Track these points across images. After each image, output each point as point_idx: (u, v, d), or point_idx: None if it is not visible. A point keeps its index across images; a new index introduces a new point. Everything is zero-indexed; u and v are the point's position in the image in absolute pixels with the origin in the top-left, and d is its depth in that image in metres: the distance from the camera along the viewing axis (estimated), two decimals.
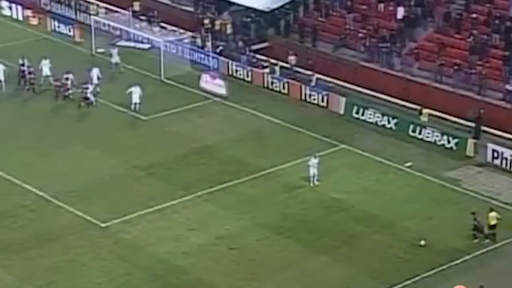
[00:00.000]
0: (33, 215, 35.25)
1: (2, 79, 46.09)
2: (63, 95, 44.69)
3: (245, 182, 37.77)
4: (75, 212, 35.38)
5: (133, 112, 43.51)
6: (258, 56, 49.24)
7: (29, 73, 45.79)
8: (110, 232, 34.27)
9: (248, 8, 50.31)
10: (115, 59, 48.38)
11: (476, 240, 33.52)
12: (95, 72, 45.79)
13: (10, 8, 56.34)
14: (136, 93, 43.63)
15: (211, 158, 39.85)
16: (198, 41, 50.57)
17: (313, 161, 37.36)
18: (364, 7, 49.22)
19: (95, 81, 45.47)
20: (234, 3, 50.98)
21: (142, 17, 52.99)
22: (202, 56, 49.34)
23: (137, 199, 36.33)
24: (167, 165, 39.07)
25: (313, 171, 37.23)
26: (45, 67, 45.96)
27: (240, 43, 49.72)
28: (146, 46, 51.10)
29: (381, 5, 48.95)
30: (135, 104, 43.60)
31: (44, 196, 36.34)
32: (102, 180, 37.74)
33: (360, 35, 47.72)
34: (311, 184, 37.19)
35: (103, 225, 34.70)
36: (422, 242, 33.34)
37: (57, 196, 36.29)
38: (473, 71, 43.82)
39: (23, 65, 46.20)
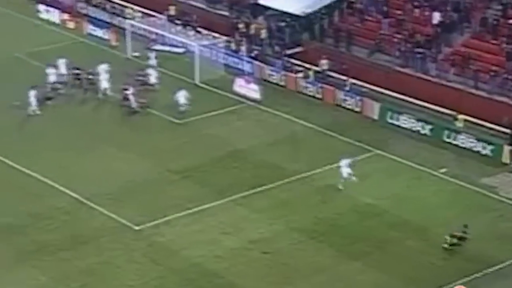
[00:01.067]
0: (68, 217, 35.59)
1: (56, 79, 46.27)
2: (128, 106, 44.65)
3: (278, 186, 37.85)
4: (109, 215, 35.66)
5: (181, 114, 43.69)
6: (292, 60, 49.30)
7: (88, 78, 46.10)
8: (143, 235, 34.49)
9: (283, 12, 50.38)
10: (152, 62, 48.58)
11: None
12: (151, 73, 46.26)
13: (48, 11, 56.99)
14: (182, 96, 43.84)
15: (244, 162, 39.98)
16: (233, 45, 50.78)
17: (344, 163, 37.28)
18: (399, 12, 49.07)
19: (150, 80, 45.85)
20: (269, 8, 51.06)
21: (177, 21, 53.29)
22: (237, 60, 49.54)
23: (171, 202, 36.53)
24: (201, 169, 39.27)
25: (345, 172, 37.05)
26: (103, 74, 45.89)
27: (276, 48, 49.79)
28: (181, 50, 51.40)
29: (417, 10, 48.76)
30: (183, 105, 43.76)
31: (79, 198, 36.68)
32: (137, 183, 37.99)
33: (395, 40, 47.59)
34: (340, 187, 37.04)
35: (136, 228, 34.92)
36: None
37: (91, 198, 36.61)
38: (509, 77, 43.45)
39: (77, 68, 46.50)
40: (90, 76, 46.42)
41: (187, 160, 39.99)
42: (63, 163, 39.47)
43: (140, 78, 46.79)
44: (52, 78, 46.36)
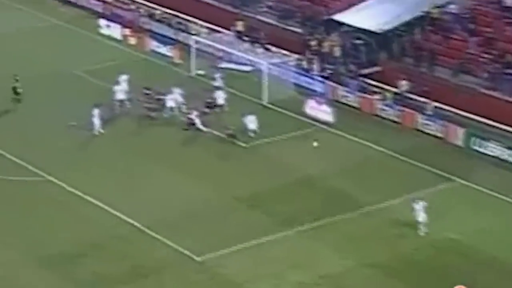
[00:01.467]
0: (127, 247, 36.11)
1: (124, 97, 47.46)
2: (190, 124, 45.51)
3: (350, 217, 37.89)
4: (169, 244, 36.10)
5: (250, 138, 44.28)
6: (368, 81, 49.42)
7: (158, 99, 47.06)
8: (205, 267, 34.84)
9: (358, 29, 50.44)
10: (218, 83, 49.40)
11: None
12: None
13: (109, 27, 58.21)
14: (252, 122, 44.49)
15: (314, 189, 40.14)
16: (304, 63, 51.11)
17: (418, 205, 36.75)
18: (488, 29, 48.66)
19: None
20: (344, 24, 51.22)
21: (245, 38, 53.89)
22: (308, 80, 49.84)
23: (235, 232, 36.87)
24: (268, 196, 39.56)
25: (420, 215, 36.66)
26: (176, 96, 46.80)
27: (351, 67, 49.95)
28: (248, 68, 51.91)
29: (509, 28, 48.36)
30: (252, 131, 44.39)
31: (139, 226, 37.24)
32: (199, 210, 38.41)
33: (483, 60, 47.27)
34: (421, 233, 36.68)
35: (198, 259, 35.31)
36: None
37: (152, 227, 37.11)
38: None
39: (147, 88, 47.58)
40: (159, 96, 47.26)
41: (253, 186, 40.34)
42: (124, 188, 40.16)
43: (208, 99, 47.43)
44: (119, 96, 47.42)
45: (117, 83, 48.38)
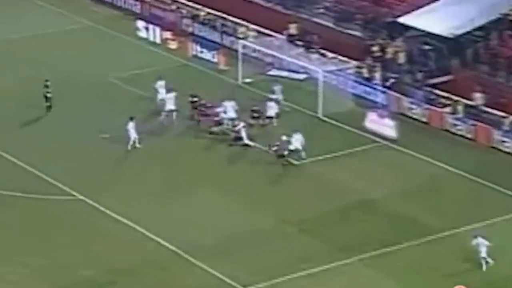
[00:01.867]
0: (164, 273, 36.05)
1: (173, 108, 47.48)
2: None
3: (415, 246, 37.51)
4: (211, 272, 35.99)
5: (293, 159, 43.90)
6: (437, 91, 48.95)
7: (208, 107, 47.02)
8: None
9: (427, 33, 50.16)
10: (278, 96, 48.77)
11: None
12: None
13: (147, 29, 58.37)
14: (298, 140, 43.99)
15: (375, 214, 39.86)
16: (364, 71, 50.90)
17: (479, 242, 36.14)
18: None
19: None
20: (411, 27, 50.96)
21: (299, 42, 53.75)
22: (369, 90, 49.61)
23: (286, 260, 36.63)
24: (322, 221, 39.32)
25: (483, 251, 36.07)
26: (230, 109, 46.60)
27: (418, 75, 49.53)
28: (301, 76, 51.81)
29: None
30: (297, 151, 43.91)
31: (177, 251, 37.20)
32: (245, 235, 38.32)
33: None
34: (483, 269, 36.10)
35: None
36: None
37: (191, 251, 37.06)
38: None
39: (195, 96, 47.56)
40: (208, 104, 47.14)
41: (305, 209, 40.08)
42: (161, 209, 40.08)
43: (254, 108, 47.12)
44: (169, 106, 47.28)
45: (156, 91, 48.40)
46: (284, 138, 43.89)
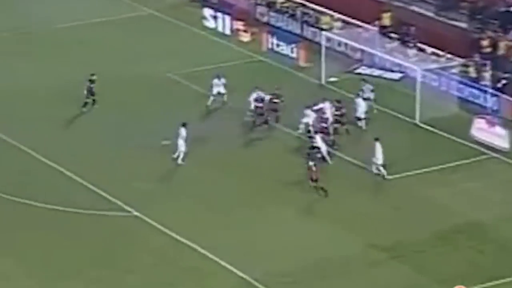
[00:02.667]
0: None
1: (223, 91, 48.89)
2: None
3: None
4: None
5: (376, 173, 43.96)
6: None
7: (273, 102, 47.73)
8: None
9: None
10: (368, 95, 48.77)
11: None
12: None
13: (215, 18, 58.84)
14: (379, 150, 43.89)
15: (482, 240, 39.61)
16: (471, 70, 50.65)
17: None
18: None
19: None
20: None
21: (393, 35, 53.72)
22: (476, 92, 49.47)
23: None
24: (418, 247, 39.17)
25: None
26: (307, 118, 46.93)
27: None
28: (396, 76, 51.76)
29: None
30: (380, 165, 43.83)
31: (246, 279, 37.29)
32: (327, 261, 38.23)
33: None
34: None
35: None
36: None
37: (263, 280, 37.10)
38: None
39: (275, 95, 48.07)
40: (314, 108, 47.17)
41: (398, 233, 39.98)
42: (228, 231, 40.16)
43: (337, 106, 47.07)
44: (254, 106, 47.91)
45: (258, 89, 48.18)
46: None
